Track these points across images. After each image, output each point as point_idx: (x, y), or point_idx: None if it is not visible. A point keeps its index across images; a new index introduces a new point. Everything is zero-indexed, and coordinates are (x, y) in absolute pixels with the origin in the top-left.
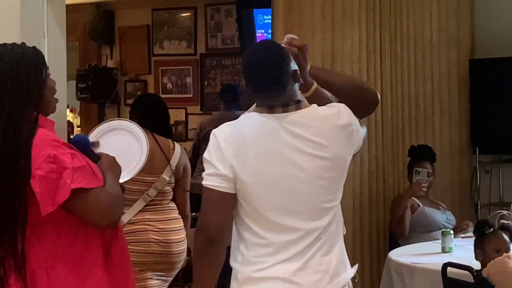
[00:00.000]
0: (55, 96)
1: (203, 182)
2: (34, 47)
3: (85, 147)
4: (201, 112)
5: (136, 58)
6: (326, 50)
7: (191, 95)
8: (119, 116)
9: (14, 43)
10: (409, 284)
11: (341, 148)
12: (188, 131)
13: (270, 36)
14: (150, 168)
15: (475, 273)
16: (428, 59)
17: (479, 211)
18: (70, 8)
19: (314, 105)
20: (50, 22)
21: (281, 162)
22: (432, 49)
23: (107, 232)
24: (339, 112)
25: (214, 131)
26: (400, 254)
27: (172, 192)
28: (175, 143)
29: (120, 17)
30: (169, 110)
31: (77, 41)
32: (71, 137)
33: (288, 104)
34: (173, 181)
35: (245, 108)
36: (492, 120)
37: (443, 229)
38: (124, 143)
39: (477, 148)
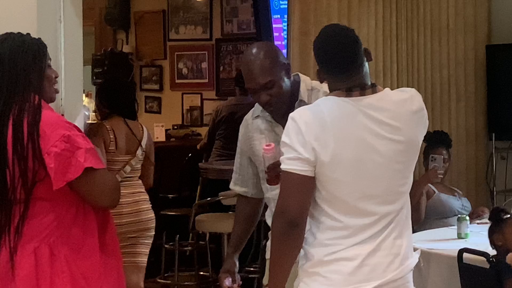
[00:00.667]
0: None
1: (283, 166)
2: (39, 38)
3: None
4: (217, 98)
5: (151, 43)
6: None
7: (206, 80)
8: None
9: (19, 33)
10: (425, 270)
11: (414, 132)
12: (203, 116)
13: (285, 21)
14: (126, 149)
15: (491, 259)
16: (444, 44)
17: (495, 197)
18: None
19: (388, 89)
20: (66, 7)
21: (360, 145)
22: (448, 34)
23: (100, 214)
24: (411, 97)
25: (292, 115)
26: (416, 240)
27: (140, 170)
28: (142, 124)
29: (136, 2)
30: (185, 95)
31: (93, 26)
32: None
33: (365, 88)
34: (143, 158)
35: None
36: (508, 106)
37: (459, 215)
38: None
39: (493, 134)
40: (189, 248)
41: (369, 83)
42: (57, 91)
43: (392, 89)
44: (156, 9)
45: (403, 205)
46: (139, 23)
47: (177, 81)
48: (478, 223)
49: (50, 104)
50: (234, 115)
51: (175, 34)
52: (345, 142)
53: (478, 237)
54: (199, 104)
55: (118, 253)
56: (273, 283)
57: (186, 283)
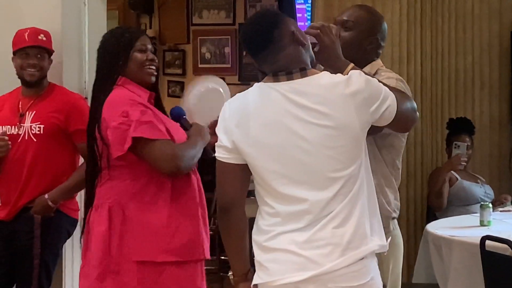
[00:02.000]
0: None
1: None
2: (128, 29)
3: (178, 116)
4: (239, 83)
5: (175, 27)
6: None
7: (229, 65)
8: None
9: (118, 26)
10: (447, 257)
11: (349, 117)
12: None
13: (309, 6)
14: None
15: None
16: (469, 31)
17: None
18: None
19: (324, 72)
20: None
21: (282, 132)
22: (473, 20)
23: (180, 179)
24: (348, 79)
25: (226, 102)
26: (438, 227)
27: None
28: None
29: None
30: None
31: (117, 10)
32: None
33: (292, 72)
34: None
35: None
36: None
37: (482, 203)
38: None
39: None
40: (211, 232)
41: (299, 67)
42: (151, 74)
43: (415, 75)
44: None
45: (342, 192)
46: (162, 8)
47: (200, 65)
48: (501, 211)
49: (76, 87)
50: None
51: (198, 18)
52: (267, 129)
53: (501, 224)
54: None
55: (197, 217)
56: (231, 265)
57: (207, 267)
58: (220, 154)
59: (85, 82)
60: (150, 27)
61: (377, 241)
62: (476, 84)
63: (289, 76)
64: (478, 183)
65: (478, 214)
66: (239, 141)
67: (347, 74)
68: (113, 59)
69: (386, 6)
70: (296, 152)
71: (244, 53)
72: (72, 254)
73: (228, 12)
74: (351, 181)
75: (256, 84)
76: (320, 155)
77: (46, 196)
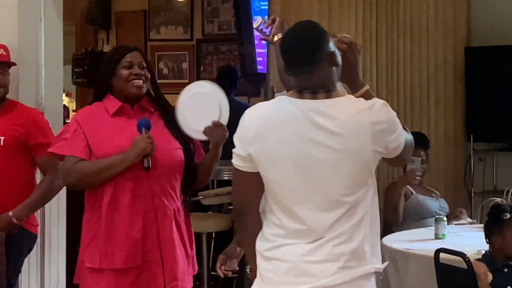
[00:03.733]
0: None
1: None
2: (118, 48)
3: (138, 128)
4: None
5: (132, 43)
6: None
7: (187, 81)
8: None
9: (115, 47)
10: (403, 270)
11: (363, 144)
12: None
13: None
14: None
15: (467, 259)
16: (424, 47)
17: (472, 199)
18: None
19: (348, 96)
20: (47, 6)
21: (296, 150)
22: (428, 37)
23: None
24: (372, 107)
25: (246, 110)
26: (394, 240)
27: None
28: None
29: (117, 2)
30: (165, 96)
31: (74, 25)
32: (67, 121)
33: (317, 91)
34: None
35: (243, 93)
36: (487, 108)
37: (436, 216)
38: (205, 109)
39: (472, 136)
40: None
41: (326, 88)
42: (137, 86)
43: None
44: (137, 9)
45: (347, 214)
46: (120, 23)
47: (157, 81)
48: (455, 224)
49: (32, 102)
50: None
51: (156, 34)
52: (282, 144)
53: (455, 237)
54: None
55: (105, 231)
56: (248, 261)
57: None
58: (235, 162)
59: (41, 97)
60: (108, 43)
61: (375, 264)
62: (431, 100)
63: (314, 95)
64: (433, 197)
65: (433, 228)
66: (255, 152)
67: (371, 99)
68: (102, 78)
69: (342, 23)
70: (307, 172)
71: (202, 68)
72: (28, 269)
73: (186, 28)
74: (357, 206)
75: (279, 97)
76: (330, 178)
77: (11, 213)
